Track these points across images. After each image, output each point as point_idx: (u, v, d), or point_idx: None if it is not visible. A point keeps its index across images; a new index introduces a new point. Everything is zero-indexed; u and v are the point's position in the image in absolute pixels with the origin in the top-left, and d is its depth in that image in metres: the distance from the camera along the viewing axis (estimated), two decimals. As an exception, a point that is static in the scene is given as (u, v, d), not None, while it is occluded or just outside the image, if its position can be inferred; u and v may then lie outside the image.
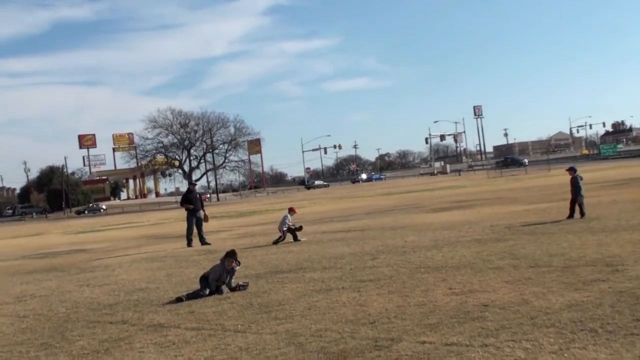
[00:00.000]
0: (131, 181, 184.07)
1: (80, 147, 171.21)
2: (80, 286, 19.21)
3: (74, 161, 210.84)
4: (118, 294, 16.82)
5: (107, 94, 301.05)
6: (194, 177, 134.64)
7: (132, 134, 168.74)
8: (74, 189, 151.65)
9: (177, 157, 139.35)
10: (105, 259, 24.03)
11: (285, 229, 26.19)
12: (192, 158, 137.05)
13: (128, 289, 17.56)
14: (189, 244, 28.67)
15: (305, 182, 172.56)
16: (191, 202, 29.05)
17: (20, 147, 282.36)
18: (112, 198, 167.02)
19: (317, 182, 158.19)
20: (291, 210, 27.58)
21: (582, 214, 23.65)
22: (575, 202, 23.96)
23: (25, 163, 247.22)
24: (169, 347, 10.28)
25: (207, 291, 14.59)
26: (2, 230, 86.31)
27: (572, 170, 24.70)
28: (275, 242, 25.64)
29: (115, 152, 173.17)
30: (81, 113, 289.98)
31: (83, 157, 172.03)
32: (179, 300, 14.38)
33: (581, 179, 24.16)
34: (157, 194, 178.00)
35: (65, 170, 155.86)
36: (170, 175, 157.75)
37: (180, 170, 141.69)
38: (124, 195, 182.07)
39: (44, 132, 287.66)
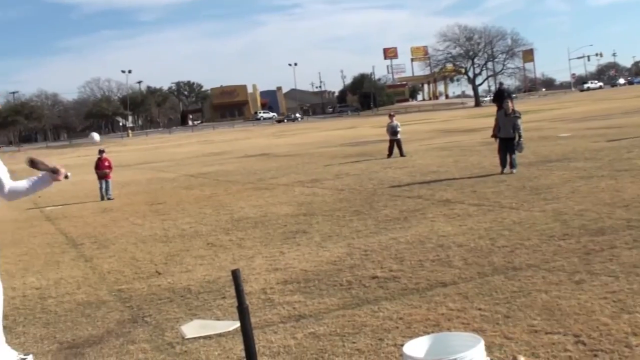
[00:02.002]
0: (425, 86, 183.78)
1: (385, 58, 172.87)
2: (384, 168, 19.76)
3: (379, 70, 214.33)
4: (415, 175, 17.15)
5: (406, 15, 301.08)
6: (476, 82, 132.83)
7: (426, 46, 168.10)
8: (380, 92, 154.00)
9: (462, 65, 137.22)
10: (406, 147, 24.41)
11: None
12: (475, 66, 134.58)
13: (423, 171, 17.85)
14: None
15: (572, 86, 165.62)
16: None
17: (338, 59, 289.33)
18: (410, 99, 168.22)
19: (590, 85, 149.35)
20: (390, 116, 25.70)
21: None
22: None
23: (342, 71, 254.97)
24: (455, 218, 10.42)
25: None
26: (325, 124, 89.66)
27: None
28: None
29: (413, 62, 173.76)
30: (386, 31, 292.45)
31: (387, 67, 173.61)
32: None
33: None
34: (447, 97, 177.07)
35: (373, 76, 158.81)
36: (457, 80, 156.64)
37: (465, 77, 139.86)
38: (419, 97, 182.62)
39: (357, 47, 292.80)
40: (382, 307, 6.13)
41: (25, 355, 5.85)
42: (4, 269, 10.09)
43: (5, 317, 7.20)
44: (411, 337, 5.16)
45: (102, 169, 19.96)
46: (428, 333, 5.23)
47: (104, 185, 19.65)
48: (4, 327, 6.76)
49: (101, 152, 20.67)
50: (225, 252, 9.60)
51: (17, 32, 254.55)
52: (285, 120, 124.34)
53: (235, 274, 4.41)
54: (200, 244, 10.53)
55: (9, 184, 5.44)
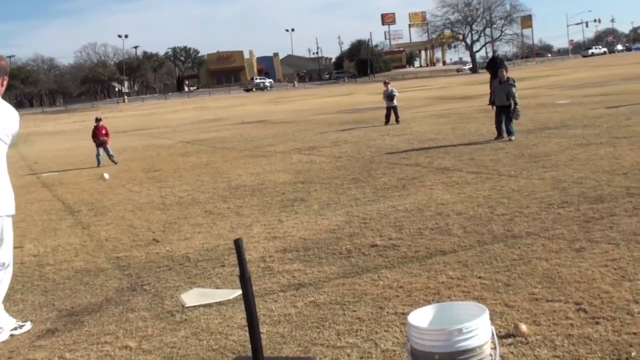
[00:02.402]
0: (423, 52, 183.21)
1: (382, 24, 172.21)
2: (382, 135, 19.72)
3: (377, 36, 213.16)
4: (412, 142, 17.12)
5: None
6: (474, 49, 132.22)
7: (424, 12, 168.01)
8: (377, 58, 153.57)
9: (460, 31, 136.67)
10: (403, 114, 24.38)
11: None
12: (473, 32, 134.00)
13: (420, 138, 17.81)
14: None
15: (569, 52, 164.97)
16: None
17: (336, 25, 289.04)
18: (407, 66, 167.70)
19: (595, 51, 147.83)
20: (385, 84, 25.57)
21: None
22: None
23: (339, 37, 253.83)
24: (453, 186, 10.39)
25: None
26: (321, 91, 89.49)
27: None
28: None
29: (411, 28, 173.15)
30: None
31: (384, 33, 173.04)
32: None
33: None
34: (444, 63, 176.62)
35: (370, 43, 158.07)
36: (455, 47, 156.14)
37: (463, 43, 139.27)
38: (417, 64, 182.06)
39: (354, 12, 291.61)
40: (382, 275, 6.13)
41: (23, 322, 5.85)
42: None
43: (3, 284, 7.22)
44: (412, 306, 5.17)
45: (99, 136, 19.94)
46: (428, 301, 5.23)
47: (101, 152, 19.63)
48: (2, 295, 6.77)
49: (98, 120, 20.67)
50: (224, 220, 9.58)
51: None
52: (254, 90, 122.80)
53: (237, 244, 4.37)
54: (198, 211, 10.51)
55: None
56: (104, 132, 20.02)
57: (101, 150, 19.69)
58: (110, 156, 19.63)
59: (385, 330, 4.81)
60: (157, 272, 7.18)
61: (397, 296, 5.52)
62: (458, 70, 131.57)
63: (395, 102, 23.98)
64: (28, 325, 5.86)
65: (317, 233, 8.14)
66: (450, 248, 6.84)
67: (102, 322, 5.77)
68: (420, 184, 10.81)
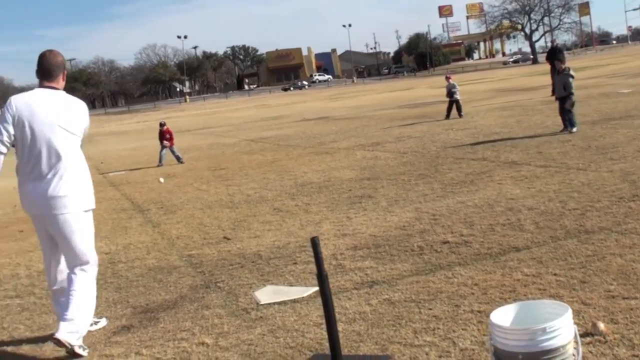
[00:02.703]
0: (482, 44, 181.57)
1: (440, 16, 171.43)
2: (446, 130, 19.56)
3: (435, 29, 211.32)
4: (477, 136, 16.95)
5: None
6: (533, 39, 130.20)
7: (482, 3, 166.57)
8: (436, 51, 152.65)
9: (519, 21, 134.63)
10: (465, 108, 24.14)
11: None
12: (531, 22, 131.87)
13: (485, 132, 17.62)
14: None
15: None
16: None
17: (393, 19, 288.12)
18: (465, 58, 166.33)
19: None
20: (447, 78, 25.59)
21: None
22: None
23: (397, 32, 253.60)
24: (522, 180, 10.25)
25: None
26: (381, 86, 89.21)
27: None
28: None
29: (469, 20, 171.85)
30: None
31: (442, 25, 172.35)
32: None
33: None
34: (503, 54, 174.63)
35: (428, 36, 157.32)
36: (514, 37, 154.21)
37: (522, 33, 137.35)
38: (475, 55, 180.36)
39: (412, 5, 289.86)
40: (456, 272, 6.08)
41: (98, 318, 5.97)
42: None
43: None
44: (488, 304, 5.13)
45: (163, 139, 20.37)
46: (504, 299, 5.18)
47: (165, 152, 19.97)
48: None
49: (162, 124, 21.00)
50: (292, 218, 9.62)
51: (72, 0, 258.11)
52: (292, 89, 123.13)
53: (314, 242, 4.40)
54: (267, 209, 10.58)
55: None
56: (167, 135, 20.38)
57: (165, 150, 20.02)
58: (176, 157, 19.92)
59: (462, 329, 4.78)
60: (230, 269, 7.25)
61: (473, 294, 5.48)
62: (505, 63, 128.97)
63: (456, 96, 23.79)
64: (103, 322, 5.98)
65: (387, 230, 8.12)
66: (523, 244, 6.75)
67: (178, 318, 5.86)
68: (488, 179, 10.69)
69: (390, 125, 23.67)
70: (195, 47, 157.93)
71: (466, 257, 6.53)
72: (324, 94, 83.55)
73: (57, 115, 5.39)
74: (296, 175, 13.94)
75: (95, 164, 22.27)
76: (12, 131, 5.35)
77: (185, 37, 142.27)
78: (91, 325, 5.73)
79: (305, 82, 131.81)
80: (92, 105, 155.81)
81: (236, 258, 7.70)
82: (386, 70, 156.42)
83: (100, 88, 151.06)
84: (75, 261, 5.45)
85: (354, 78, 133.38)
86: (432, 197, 9.82)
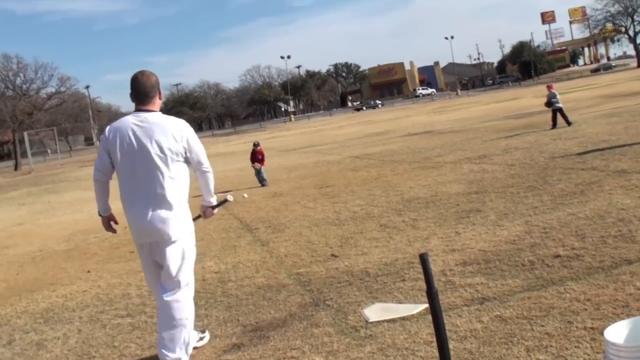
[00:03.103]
0: (586, 49, 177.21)
1: (543, 23, 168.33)
2: (554, 139, 19.11)
3: (538, 36, 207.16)
4: (586, 145, 16.48)
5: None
6: (637, 42, 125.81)
7: (584, 7, 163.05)
8: (540, 59, 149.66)
9: (622, 24, 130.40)
10: (572, 116, 23.54)
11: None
12: (635, 23, 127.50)
13: (593, 140, 17.13)
14: None
15: None
16: None
17: (495, 28, 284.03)
18: (570, 65, 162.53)
19: None
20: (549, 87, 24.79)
21: None
22: None
23: (499, 41, 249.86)
24: (633, 189, 9.88)
25: None
26: (485, 97, 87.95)
27: None
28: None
29: (572, 25, 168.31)
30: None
31: (545, 32, 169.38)
32: None
33: None
34: (608, 59, 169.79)
35: (532, 44, 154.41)
36: (618, 40, 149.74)
37: (625, 36, 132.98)
38: (580, 61, 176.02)
39: (512, 13, 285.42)
40: (568, 287, 5.91)
41: (202, 332, 6.08)
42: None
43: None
44: (600, 320, 4.96)
45: (255, 160, 20.82)
46: (617, 315, 5.01)
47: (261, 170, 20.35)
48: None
49: (256, 145, 21.38)
50: (399, 234, 9.57)
51: (177, 28, 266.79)
52: (364, 108, 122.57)
53: (423, 258, 4.36)
54: (373, 225, 10.56)
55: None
56: (259, 156, 20.69)
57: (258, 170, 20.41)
58: (262, 179, 20.19)
59: (575, 346, 4.64)
60: (338, 287, 7.26)
61: (585, 309, 5.31)
62: (593, 71, 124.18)
63: (557, 105, 23.27)
64: (207, 335, 6.09)
65: (497, 244, 7.98)
66: (635, 257, 6.50)
67: (287, 337, 5.90)
68: (598, 189, 10.37)
69: (497, 137, 23.28)
70: (298, 67, 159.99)
71: (578, 271, 6.34)
72: (428, 107, 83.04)
73: (151, 139, 5.32)
74: (402, 190, 13.87)
75: (204, 185, 22.78)
76: (107, 159, 5.45)
77: (289, 57, 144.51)
78: (197, 342, 5.84)
79: (379, 102, 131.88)
80: (199, 127, 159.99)
81: (344, 275, 7.71)
82: (490, 81, 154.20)
83: (207, 111, 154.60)
84: (174, 284, 5.52)
85: (458, 90, 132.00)
86: (542, 209, 9.60)
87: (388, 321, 5.85)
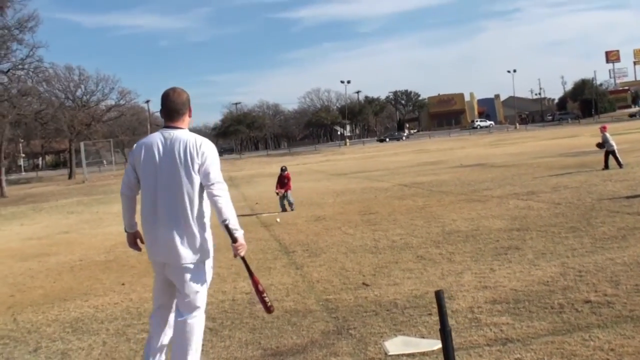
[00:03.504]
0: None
1: (607, 62, 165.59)
2: (604, 181, 18.77)
3: (601, 74, 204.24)
4: (635, 188, 16.13)
5: (630, 14, 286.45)
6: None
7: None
8: (602, 98, 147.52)
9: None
10: (626, 158, 23.15)
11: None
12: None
13: (645, 184, 16.80)
14: None
15: None
16: None
17: (558, 64, 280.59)
18: (632, 106, 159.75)
19: None
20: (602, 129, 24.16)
21: None
22: None
23: (562, 77, 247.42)
24: (681, 237, 9.65)
25: None
26: (543, 133, 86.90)
27: None
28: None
29: (636, 65, 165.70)
30: (607, 33, 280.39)
31: (609, 71, 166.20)
32: None
33: None
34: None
35: (594, 82, 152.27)
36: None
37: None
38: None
39: (577, 51, 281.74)
40: (594, 335, 5.75)
41: None
42: (216, 272, 10.57)
43: (213, 319, 7.53)
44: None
45: (281, 184, 20.79)
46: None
47: (285, 199, 20.28)
48: (210, 329, 7.06)
49: (283, 169, 21.29)
50: (435, 267, 9.46)
51: (241, 48, 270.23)
52: (388, 140, 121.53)
53: (438, 295, 4.30)
54: (410, 256, 10.46)
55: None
56: (286, 180, 20.61)
57: (285, 193, 20.30)
58: (290, 203, 20.14)
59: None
60: (364, 316, 7.19)
61: (607, 359, 5.16)
62: (630, 116, 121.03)
63: (611, 147, 22.84)
64: None
65: (530, 284, 7.82)
66: (668, 309, 6.31)
67: (305, 364, 5.86)
68: (642, 235, 10.12)
69: (548, 174, 22.95)
70: (358, 92, 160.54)
71: (606, 319, 6.16)
72: (485, 140, 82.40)
73: (175, 158, 5.26)
74: (444, 222, 13.73)
75: (250, 205, 22.90)
76: (132, 174, 5.44)
77: (349, 82, 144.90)
78: None
79: (403, 134, 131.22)
80: (255, 147, 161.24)
81: (372, 305, 7.64)
82: (550, 117, 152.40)
83: (264, 131, 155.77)
84: (187, 308, 5.37)
85: (517, 124, 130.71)
86: (581, 251, 9.39)
87: (407, 355, 5.77)
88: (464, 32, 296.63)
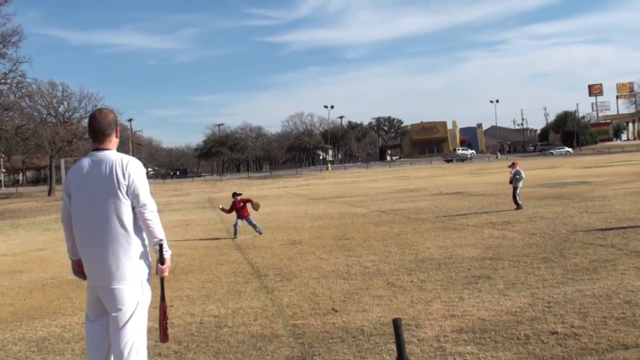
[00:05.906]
0: (630, 124, 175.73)
1: (589, 95, 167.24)
2: (580, 212, 18.85)
3: (583, 107, 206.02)
4: (610, 221, 16.21)
5: (613, 50, 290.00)
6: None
7: (632, 83, 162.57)
8: (583, 130, 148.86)
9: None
10: (604, 191, 23.24)
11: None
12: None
13: (619, 217, 16.85)
14: None
15: None
16: None
17: (541, 96, 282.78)
18: (613, 139, 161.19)
19: None
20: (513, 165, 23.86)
21: None
22: None
23: (545, 109, 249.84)
24: (651, 271, 9.67)
25: None
26: (524, 163, 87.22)
27: None
28: None
29: (618, 99, 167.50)
30: (591, 66, 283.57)
31: (591, 104, 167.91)
32: None
33: None
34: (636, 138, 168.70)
35: (576, 114, 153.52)
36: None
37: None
38: (624, 136, 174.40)
39: (561, 83, 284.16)
40: (558, 367, 5.73)
41: None
42: (185, 294, 10.47)
43: (178, 342, 7.44)
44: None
45: (236, 209, 19.66)
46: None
47: (239, 223, 19.32)
48: (175, 352, 6.97)
49: (235, 195, 20.19)
50: (405, 294, 9.42)
51: (226, 69, 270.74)
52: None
53: (396, 324, 4.26)
54: (381, 283, 10.41)
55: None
56: (241, 204, 19.50)
57: (240, 221, 19.40)
58: (253, 226, 19.26)
59: None
60: (330, 343, 7.14)
61: (571, 391, 5.13)
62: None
63: (516, 183, 22.59)
64: None
65: (497, 314, 7.80)
66: (633, 342, 6.29)
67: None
68: (612, 268, 10.13)
69: (525, 204, 23.00)
70: (341, 117, 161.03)
71: (571, 351, 6.14)
72: (466, 168, 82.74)
73: (102, 179, 5.18)
74: (418, 250, 13.71)
75: (227, 227, 22.78)
76: (68, 201, 5.37)
77: (332, 107, 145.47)
78: None
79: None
80: (236, 169, 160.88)
81: (339, 331, 7.58)
82: (532, 148, 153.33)
83: (246, 153, 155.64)
84: (122, 339, 5.20)
85: (498, 154, 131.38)
86: (552, 282, 9.39)
87: (369, 383, 5.71)
88: (448, 62, 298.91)
